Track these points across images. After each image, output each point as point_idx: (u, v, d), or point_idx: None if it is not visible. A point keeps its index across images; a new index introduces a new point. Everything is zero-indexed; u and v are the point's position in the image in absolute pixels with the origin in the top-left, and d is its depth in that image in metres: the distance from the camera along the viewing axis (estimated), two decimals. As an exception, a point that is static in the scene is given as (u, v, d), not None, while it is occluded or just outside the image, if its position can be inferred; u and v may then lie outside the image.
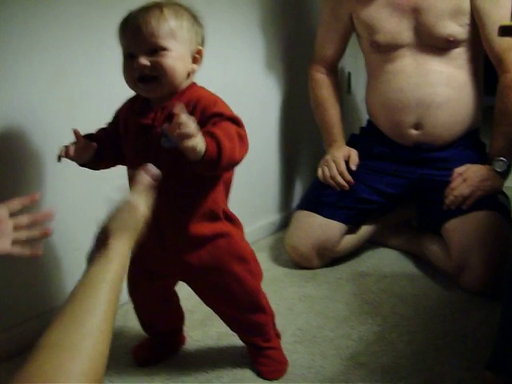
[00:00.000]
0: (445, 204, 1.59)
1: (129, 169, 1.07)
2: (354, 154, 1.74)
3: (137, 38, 1.01)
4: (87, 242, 0.88)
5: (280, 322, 1.39)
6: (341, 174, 1.70)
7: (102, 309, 0.74)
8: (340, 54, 1.87)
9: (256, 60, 1.85)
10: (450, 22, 1.58)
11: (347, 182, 1.69)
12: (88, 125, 1.15)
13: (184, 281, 1.20)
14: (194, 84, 1.09)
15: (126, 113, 1.13)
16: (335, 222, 1.68)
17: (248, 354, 1.24)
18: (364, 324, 1.38)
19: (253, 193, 1.94)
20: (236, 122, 1.03)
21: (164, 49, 1.01)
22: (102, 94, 1.36)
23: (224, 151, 0.96)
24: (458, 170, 1.61)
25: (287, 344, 1.31)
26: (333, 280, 1.63)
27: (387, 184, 1.71)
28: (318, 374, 1.19)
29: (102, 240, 0.83)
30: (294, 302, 1.51)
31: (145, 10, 1.02)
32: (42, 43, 1.24)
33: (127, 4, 1.07)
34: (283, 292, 1.57)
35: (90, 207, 1.34)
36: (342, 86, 2.17)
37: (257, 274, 1.19)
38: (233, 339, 1.28)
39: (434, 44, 1.62)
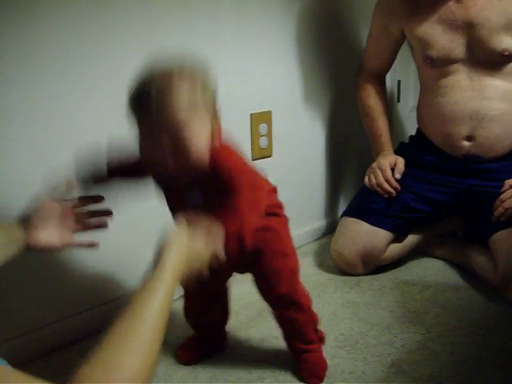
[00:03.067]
0: (493, 216, 1.58)
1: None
2: (400, 163, 1.74)
3: (155, 120, 0.98)
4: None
5: (323, 327, 1.41)
6: (387, 181, 1.71)
7: (154, 318, 0.77)
8: (389, 66, 1.89)
9: (303, 66, 1.87)
10: (504, 37, 1.56)
11: (394, 188, 1.70)
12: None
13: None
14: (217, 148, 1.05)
15: None
16: (381, 229, 1.69)
17: (291, 357, 1.27)
18: (407, 332, 1.39)
19: (299, 198, 1.97)
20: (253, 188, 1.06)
21: (184, 133, 0.99)
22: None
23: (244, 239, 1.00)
24: (509, 181, 1.60)
25: (330, 348, 1.33)
26: (377, 287, 1.64)
27: (435, 193, 1.71)
28: (359, 380, 1.21)
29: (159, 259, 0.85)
30: (337, 308, 1.53)
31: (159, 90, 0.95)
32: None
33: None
34: (327, 297, 1.59)
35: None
36: (391, 94, 2.18)
37: (295, 269, 1.21)
38: (276, 342, 1.31)
39: (489, 59, 1.60)
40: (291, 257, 1.21)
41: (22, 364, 0.71)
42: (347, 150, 2.13)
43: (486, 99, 1.62)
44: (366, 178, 1.77)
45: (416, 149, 1.82)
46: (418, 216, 1.73)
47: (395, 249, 1.74)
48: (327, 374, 1.23)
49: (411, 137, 1.90)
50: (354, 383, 1.20)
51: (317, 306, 1.51)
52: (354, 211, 1.77)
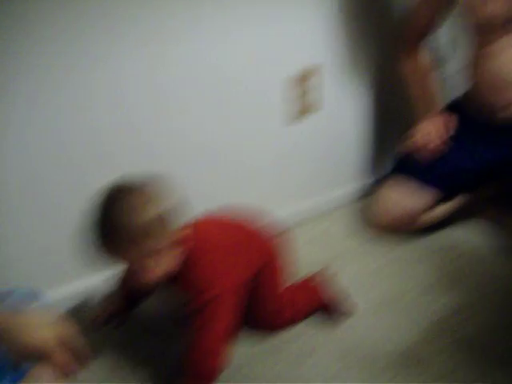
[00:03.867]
0: None
1: None
2: (450, 121, 1.70)
3: (117, 260, 1.05)
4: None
5: (367, 283, 1.43)
6: (433, 143, 1.68)
7: None
8: (436, 28, 1.82)
9: (352, 22, 1.83)
10: None
11: (439, 150, 1.67)
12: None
13: None
14: (193, 252, 1.10)
15: None
16: (427, 189, 1.67)
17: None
18: (450, 292, 1.39)
19: (336, 161, 1.95)
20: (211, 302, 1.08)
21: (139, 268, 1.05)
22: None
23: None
24: None
25: (373, 305, 1.34)
26: (420, 248, 1.63)
27: (486, 154, 1.67)
28: (401, 337, 1.22)
29: None
30: (379, 267, 1.53)
31: (105, 239, 1.01)
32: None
33: None
34: (369, 256, 1.59)
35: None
36: (443, 52, 2.12)
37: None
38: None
39: None
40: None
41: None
42: (394, 108, 2.09)
43: None
44: (411, 139, 1.74)
45: (466, 108, 1.78)
46: (464, 178, 1.70)
47: (441, 210, 1.73)
48: (371, 328, 1.24)
49: (458, 99, 1.86)
50: (396, 340, 1.21)
51: (359, 265, 1.54)
52: (399, 170, 1.75)
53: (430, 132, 1.69)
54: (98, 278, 1.39)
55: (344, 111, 1.91)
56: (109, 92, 1.32)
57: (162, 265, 1.05)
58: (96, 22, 1.24)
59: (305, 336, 1.23)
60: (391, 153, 2.06)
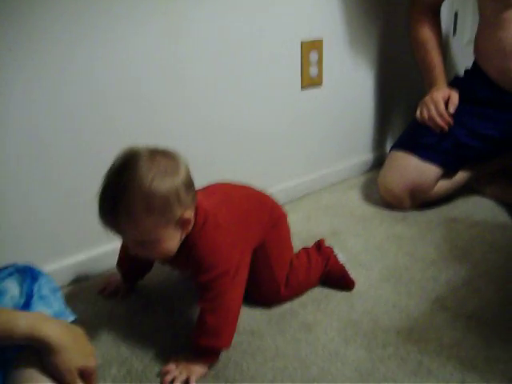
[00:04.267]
0: None
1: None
2: (454, 96, 1.68)
3: (119, 234, 1.02)
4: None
5: (367, 259, 1.42)
6: (440, 116, 1.66)
7: None
8: None
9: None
10: None
11: (447, 123, 1.65)
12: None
13: None
14: (193, 232, 1.06)
15: None
16: (431, 164, 1.66)
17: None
18: (452, 268, 1.38)
19: (348, 129, 1.94)
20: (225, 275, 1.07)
21: (148, 241, 1.01)
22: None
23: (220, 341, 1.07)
24: None
25: (374, 280, 1.33)
26: (423, 223, 1.62)
27: (489, 129, 1.65)
28: (402, 313, 1.21)
29: None
30: (382, 241, 1.52)
31: (113, 206, 0.96)
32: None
33: None
34: (373, 230, 1.59)
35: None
36: (447, 27, 2.09)
37: None
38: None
39: None
40: None
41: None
42: (399, 81, 2.07)
43: None
44: (418, 111, 1.72)
45: (471, 83, 1.75)
46: (469, 152, 1.68)
47: (444, 185, 1.71)
48: (371, 304, 1.24)
49: (467, 70, 1.83)
50: (396, 316, 1.20)
51: (362, 239, 1.53)
52: (404, 145, 1.74)
53: (439, 103, 1.66)
54: (99, 251, 1.40)
55: (353, 83, 1.89)
56: (118, 59, 1.32)
57: (174, 239, 1.03)
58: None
59: (304, 312, 1.23)
60: (399, 127, 2.05)
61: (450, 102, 1.67)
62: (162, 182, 0.95)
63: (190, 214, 1.02)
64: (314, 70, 1.74)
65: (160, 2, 1.33)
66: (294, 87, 1.72)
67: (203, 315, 1.05)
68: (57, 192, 1.30)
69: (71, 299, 1.28)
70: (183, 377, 1.03)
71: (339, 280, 1.31)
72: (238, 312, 1.10)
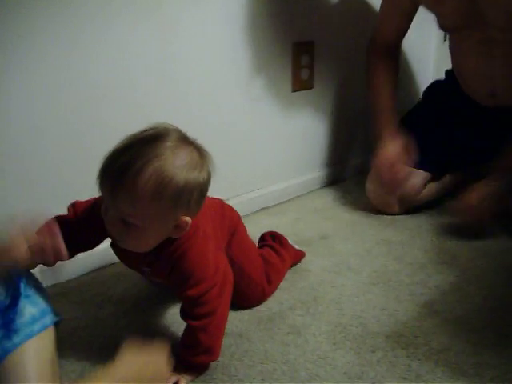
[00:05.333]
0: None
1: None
2: (410, 144, 1.64)
3: (110, 201, 0.91)
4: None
5: (356, 263, 1.42)
6: (396, 183, 1.64)
7: None
8: (404, 33, 1.75)
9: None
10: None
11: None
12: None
13: None
14: (182, 240, 1.00)
15: None
16: (418, 169, 1.65)
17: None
18: (441, 273, 1.38)
19: (337, 133, 1.94)
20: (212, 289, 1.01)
21: (133, 224, 0.91)
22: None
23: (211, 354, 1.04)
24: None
25: (362, 284, 1.33)
26: (412, 227, 1.62)
27: (474, 139, 1.65)
28: (391, 317, 1.21)
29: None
30: (371, 245, 1.52)
31: (124, 170, 0.87)
32: None
33: None
34: (362, 234, 1.58)
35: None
36: (439, 33, 2.09)
37: None
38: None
39: (498, 23, 1.47)
40: None
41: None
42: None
43: (498, 59, 1.55)
44: (376, 175, 1.69)
45: (449, 91, 1.76)
46: (457, 158, 1.69)
47: (432, 188, 1.71)
48: (360, 308, 1.23)
49: (447, 73, 1.82)
50: (385, 320, 1.20)
51: (351, 243, 1.53)
52: None
53: (393, 160, 1.63)
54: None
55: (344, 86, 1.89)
56: (112, 59, 1.32)
57: (158, 236, 0.96)
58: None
59: (293, 315, 1.22)
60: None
61: (407, 155, 1.64)
62: (183, 174, 0.89)
63: (189, 220, 0.95)
64: (304, 73, 1.74)
65: (153, 3, 1.32)
66: (285, 89, 1.71)
67: (196, 334, 1.01)
68: (44, 192, 1.28)
69: (57, 299, 1.26)
70: (173, 380, 1.01)
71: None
72: (226, 322, 1.08)
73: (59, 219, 1.00)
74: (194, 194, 0.92)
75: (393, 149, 1.64)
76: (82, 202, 1.06)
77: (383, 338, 1.13)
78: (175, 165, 0.88)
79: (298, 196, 1.86)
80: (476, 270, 1.39)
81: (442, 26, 1.64)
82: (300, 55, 1.70)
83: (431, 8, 1.60)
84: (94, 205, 1.03)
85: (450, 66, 1.81)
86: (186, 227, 0.95)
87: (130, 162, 0.86)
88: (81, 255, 1.28)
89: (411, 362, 1.06)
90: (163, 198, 0.88)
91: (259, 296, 1.25)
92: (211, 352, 1.03)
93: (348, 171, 2.02)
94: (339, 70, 1.86)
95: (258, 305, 1.25)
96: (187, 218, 0.94)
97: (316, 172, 1.92)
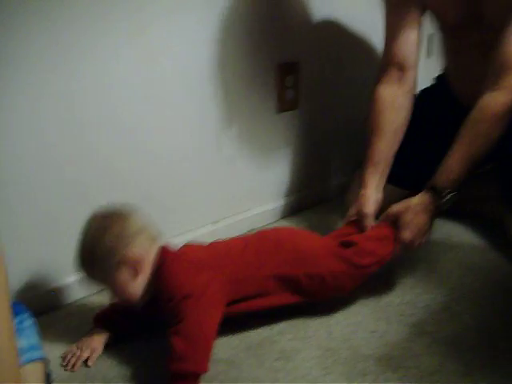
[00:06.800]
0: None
1: None
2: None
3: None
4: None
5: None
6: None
7: None
8: (416, 48, 1.58)
9: (333, 20, 1.81)
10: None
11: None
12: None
13: None
14: (160, 267, 1.15)
15: None
16: (395, 186, 1.64)
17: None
18: (430, 293, 1.37)
19: (322, 155, 1.94)
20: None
21: (113, 287, 1.14)
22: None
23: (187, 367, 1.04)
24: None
25: (352, 306, 1.33)
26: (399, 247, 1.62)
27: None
28: (381, 339, 1.20)
29: None
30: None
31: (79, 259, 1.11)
32: None
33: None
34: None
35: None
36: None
37: None
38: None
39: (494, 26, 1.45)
40: None
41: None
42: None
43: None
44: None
45: (439, 97, 1.76)
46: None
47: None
48: (350, 331, 1.23)
49: (437, 78, 1.83)
50: (375, 342, 1.19)
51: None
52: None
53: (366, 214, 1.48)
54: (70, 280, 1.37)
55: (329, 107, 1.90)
56: (96, 84, 1.31)
57: (132, 282, 1.12)
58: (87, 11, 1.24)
59: (282, 340, 1.21)
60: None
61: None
62: (103, 236, 1.08)
63: (136, 252, 1.11)
64: (289, 94, 1.74)
65: (136, 27, 1.32)
66: (270, 111, 1.71)
67: (170, 339, 1.05)
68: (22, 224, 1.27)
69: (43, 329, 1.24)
70: None
71: None
72: (210, 336, 1.08)
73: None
74: (120, 239, 1.10)
75: (371, 203, 1.49)
76: None
77: (374, 361, 1.13)
78: (95, 237, 1.10)
79: (286, 216, 1.86)
80: (464, 288, 1.39)
81: (441, 26, 1.64)
82: (285, 76, 1.71)
83: (435, 6, 1.58)
84: None
85: (434, 79, 1.82)
86: (139, 259, 1.11)
87: (78, 255, 1.12)
88: (67, 283, 1.27)
89: (402, 385, 1.06)
90: (97, 260, 1.09)
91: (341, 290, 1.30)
92: (188, 359, 1.03)
93: (334, 190, 2.02)
94: (324, 90, 1.87)
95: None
96: (132, 251, 1.11)
97: (303, 191, 1.92)
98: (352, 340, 1.20)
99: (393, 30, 1.55)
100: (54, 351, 1.17)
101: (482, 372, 1.09)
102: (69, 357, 1.15)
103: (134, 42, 1.33)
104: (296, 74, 1.74)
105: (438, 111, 1.73)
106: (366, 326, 1.25)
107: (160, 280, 1.13)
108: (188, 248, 1.23)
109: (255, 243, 1.26)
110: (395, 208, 1.37)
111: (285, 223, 1.82)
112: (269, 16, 1.61)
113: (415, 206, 1.35)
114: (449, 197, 1.35)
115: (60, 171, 1.29)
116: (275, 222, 1.82)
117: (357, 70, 1.95)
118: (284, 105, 1.74)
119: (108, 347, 1.19)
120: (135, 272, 1.11)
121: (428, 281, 1.43)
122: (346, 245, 1.32)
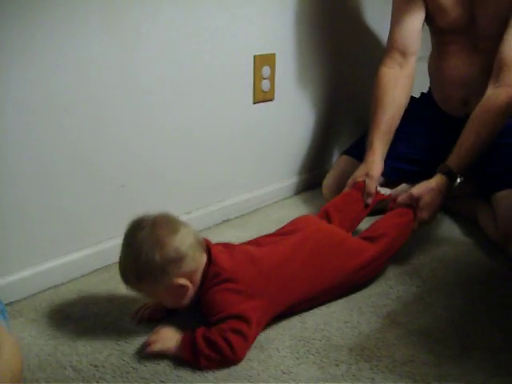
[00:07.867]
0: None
1: None
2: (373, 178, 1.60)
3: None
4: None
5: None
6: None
7: None
8: (418, 35, 1.70)
9: (310, 11, 1.81)
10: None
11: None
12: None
13: None
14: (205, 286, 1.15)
15: None
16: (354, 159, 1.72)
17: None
18: (403, 284, 1.38)
19: (298, 144, 1.94)
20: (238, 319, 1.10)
21: (158, 298, 1.18)
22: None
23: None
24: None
25: (325, 298, 1.32)
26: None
27: (436, 151, 1.66)
28: (354, 329, 1.20)
29: None
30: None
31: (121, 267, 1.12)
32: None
33: None
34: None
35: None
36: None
37: None
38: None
39: (488, 31, 1.58)
40: None
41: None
42: (351, 97, 2.09)
43: (476, 67, 1.63)
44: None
45: (422, 104, 1.83)
46: (413, 168, 1.72)
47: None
48: (323, 321, 1.23)
49: (422, 93, 1.89)
50: (348, 332, 1.19)
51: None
52: (349, 150, 1.81)
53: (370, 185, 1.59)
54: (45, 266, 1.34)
55: (304, 99, 1.89)
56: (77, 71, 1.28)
57: (179, 296, 1.13)
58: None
59: (256, 329, 1.20)
60: (345, 143, 2.05)
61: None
62: (158, 251, 1.06)
63: (183, 281, 1.10)
64: (266, 85, 1.73)
65: (113, 16, 1.30)
66: (246, 101, 1.70)
67: (199, 334, 1.08)
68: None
69: (13, 317, 1.22)
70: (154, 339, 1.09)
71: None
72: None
73: None
74: (167, 265, 1.08)
75: (379, 167, 1.61)
76: None
77: (347, 351, 1.13)
78: (143, 251, 1.07)
79: (260, 208, 1.86)
80: (436, 280, 1.40)
81: (433, 30, 1.71)
82: (261, 67, 1.70)
83: (434, 6, 1.64)
84: None
85: (421, 90, 1.86)
86: (186, 286, 1.11)
87: (121, 266, 1.12)
88: (37, 271, 1.25)
89: (375, 375, 1.05)
90: (143, 278, 1.09)
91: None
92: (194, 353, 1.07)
93: (308, 182, 2.02)
94: (300, 82, 1.86)
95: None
96: (180, 280, 1.10)
97: (277, 183, 1.92)
98: (325, 330, 1.20)
99: (398, 18, 1.67)
100: None
101: (453, 362, 1.09)
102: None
103: (109, 33, 1.31)
104: (272, 66, 1.74)
105: (416, 109, 1.78)
106: (339, 316, 1.25)
107: (204, 299, 1.14)
108: (236, 266, 1.17)
109: (303, 253, 1.26)
110: (417, 190, 1.46)
111: (259, 214, 1.81)
112: (247, 8, 1.60)
113: (433, 188, 1.45)
114: (459, 180, 1.47)
115: (39, 155, 1.26)
116: (249, 213, 1.82)
117: (336, 63, 1.95)
118: (260, 95, 1.73)
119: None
120: (188, 287, 1.12)
121: (401, 272, 1.44)
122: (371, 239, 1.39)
